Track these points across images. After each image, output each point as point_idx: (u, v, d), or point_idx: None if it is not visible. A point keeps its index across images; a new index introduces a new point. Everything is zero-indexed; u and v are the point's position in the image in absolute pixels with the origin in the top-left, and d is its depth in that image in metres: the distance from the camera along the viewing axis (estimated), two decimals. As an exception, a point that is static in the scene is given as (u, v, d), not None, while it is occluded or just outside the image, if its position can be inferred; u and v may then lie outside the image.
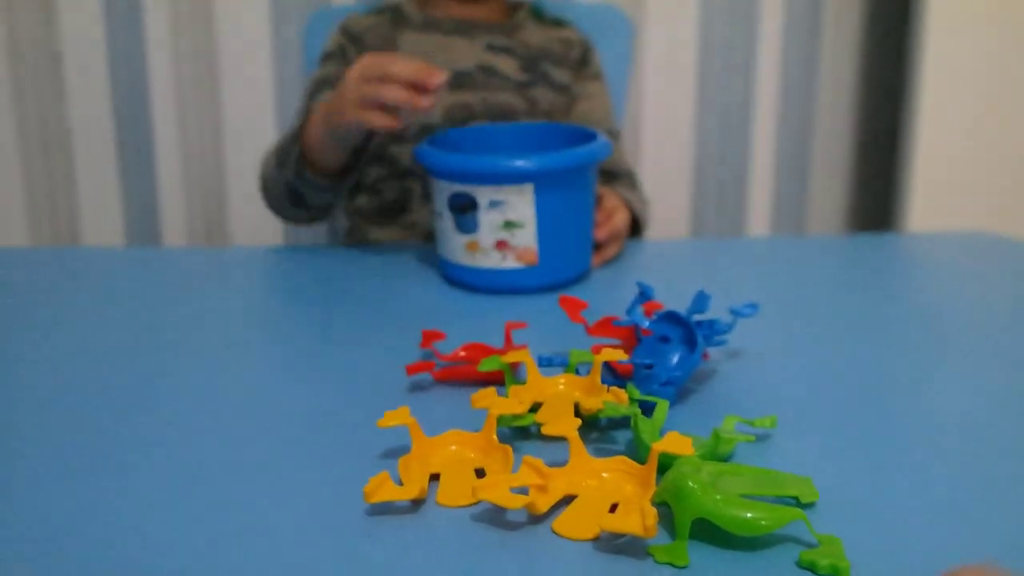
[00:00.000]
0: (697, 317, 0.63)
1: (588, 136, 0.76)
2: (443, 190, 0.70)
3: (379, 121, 0.71)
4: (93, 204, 1.60)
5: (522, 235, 0.68)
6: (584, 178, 0.71)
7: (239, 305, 0.72)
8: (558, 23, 1.06)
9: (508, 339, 0.58)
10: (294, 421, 0.50)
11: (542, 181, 0.68)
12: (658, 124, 1.62)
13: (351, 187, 1.03)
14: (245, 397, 0.54)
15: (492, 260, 0.69)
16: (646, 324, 0.53)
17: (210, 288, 0.76)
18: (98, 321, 0.68)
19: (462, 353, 0.55)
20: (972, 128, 1.48)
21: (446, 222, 0.70)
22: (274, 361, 0.60)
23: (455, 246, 0.70)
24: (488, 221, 0.68)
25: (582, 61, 1.04)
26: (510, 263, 0.69)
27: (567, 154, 0.68)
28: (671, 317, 0.52)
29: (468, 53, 0.99)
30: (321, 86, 0.97)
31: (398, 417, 0.43)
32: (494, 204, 0.68)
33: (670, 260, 0.85)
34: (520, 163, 0.67)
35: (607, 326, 0.56)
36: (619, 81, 1.21)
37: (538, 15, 1.06)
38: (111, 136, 1.57)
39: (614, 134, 1.03)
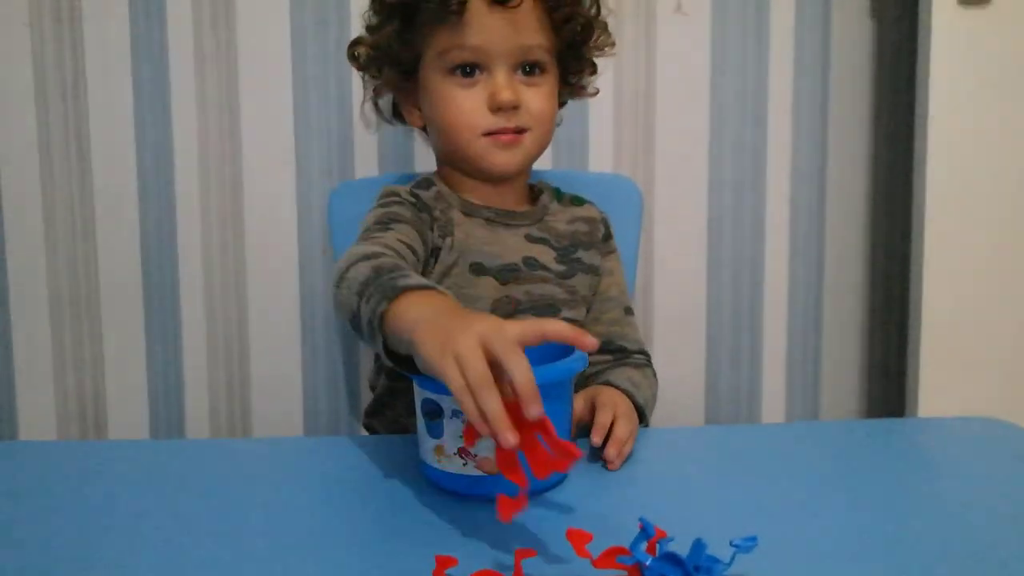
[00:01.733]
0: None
1: (566, 351, 0.73)
2: (418, 395, 0.72)
3: (457, 380, 0.58)
4: (119, 382, 1.63)
5: (481, 445, 0.69)
6: (551, 394, 0.64)
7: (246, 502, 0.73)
8: (578, 201, 1.09)
9: (518, 570, 0.57)
10: None
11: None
12: (669, 291, 1.66)
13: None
14: None
15: (455, 466, 0.70)
16: (648, 562, 0.54)
17: (220, 483, 0.77)
18: (126, 513, 0.69)
19: None
20: (979, 309, 1.51)
21: (420, 425, 0.73)
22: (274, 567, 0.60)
23: (427, 448, 0.73)
24: (451, 429, 0.70)
25: (605, 238, 1.08)
26: (470, 471, 0.70)
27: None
28: (671, 558, 0.53)
29: (512, 244, 1.00)
30: (399, 220, 0.92)
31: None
32: (456, 414, 0.69)
33: (680, 450, 0.85)
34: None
35: (611, 559, 0.56)
36: (630, 248, 1.25)
37: (558, 196, 1.09)
38: (138, 304, 1.61)
39: (629, 311, 1.07)
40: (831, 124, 1.65)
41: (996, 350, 1.52)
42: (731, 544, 0.56)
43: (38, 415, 1.62)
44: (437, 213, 0.98)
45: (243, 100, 1.57)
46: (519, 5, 0.93)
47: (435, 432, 0.71)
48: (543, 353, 0.73)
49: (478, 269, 0.98)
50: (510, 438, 0.55)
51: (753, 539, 0.56)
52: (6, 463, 0.81)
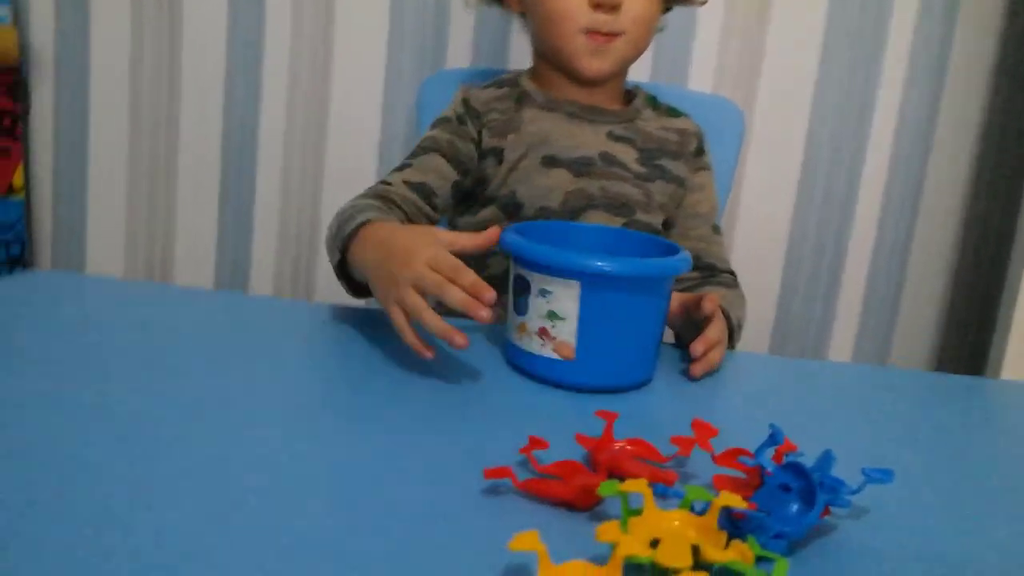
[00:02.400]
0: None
1: (672, 250, 0.76)
2: (511, 271, 0.74)
3: (399, 318, 0.69)
4: (188, 239, 1.64)
5: (562, 328, 0.70)
6: (646, 289, 0.71)
7: (308, 366, 0.73)
8: (673, 113, 1.06)
9: (608, 433, 0.58)
10: (348, 504, 0.50)
11: (591, 282, 0.68)
12: (754, 221, 1.61)
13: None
14: (295, 467, 0.53)
15: (534, 345, 0.71)
16: (772, 468, 0.52)
17: (287, 344, 0.77)
18: (175, 360, 0.70)
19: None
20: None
21: (509, 302, 0.74)
22: (330, 436, 0.59)
23: (512, 325, 0.74)
24: (536, 307, 0.71)
25: (697, 152, 1.04)
26: (548, 352, 0.71)
27: (620, 261, 0.69)
28: (795, 468, 0.52)
29: (591, 139, 0.98)
30: (428, 150, 0.97)
31: (528, 542, 0.43)
32: (543, 293, 0.70)
33: (750, 376, 0.83)
34: (569, 259, 0.69)
35: (732, 459, 0.55)
36: (726, 172, 1.21)
37: (654, 104, 1.06)
38: (216, 173, 1.61)
39: (717, 230, 1.03)
40: (949, 73, 1.55)
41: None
42: (863, 472, 0.53)
43: (107, 259, 1.65)
44: (494, 115, 0.98)
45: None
46: None
47: (520, 309, 0.72)
48: (647, 252, 0.76)
49: (551, 161, 0.97)
50: (483, 314, 0.65)
51: (889, 472, 0.54)
52: (69, 294, 0.83)
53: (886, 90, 1.56)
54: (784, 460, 0.52)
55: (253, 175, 1.61)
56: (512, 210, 0.97)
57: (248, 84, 1.57)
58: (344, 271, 0.81)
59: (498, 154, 0.97)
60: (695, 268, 0.98)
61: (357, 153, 1.59)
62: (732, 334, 0.87)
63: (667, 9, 1.04)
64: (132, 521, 0.46)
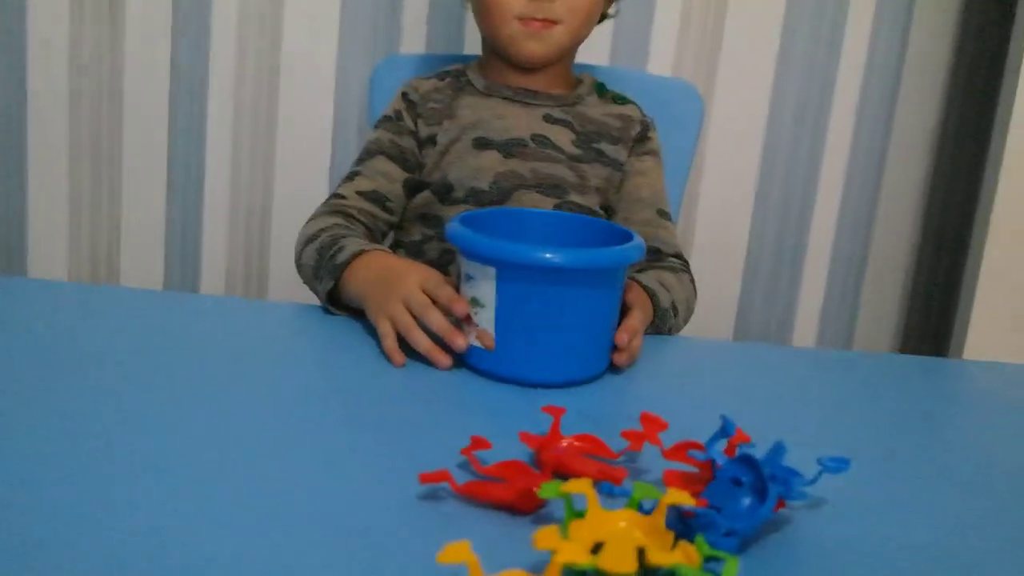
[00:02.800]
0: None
1: (625, 237, 0.72)
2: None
3: (384, 327, 0.72)
4: (135, 232, 1.59)
5: (483, 315, 0.68)
6: (576, 280, 0.67)
7: (241, 366, 0.70)
8: (620, 100, 1.04)
9: (555, 429, 0.55)
10: (289, 513, 0.47)
11: (508, 269, 0.66)
12: (714, 205, 1.59)
13: (392, 244, 1.02)
14: (222, 473, 0.51)
15: (470, 336, 0.69)
16: (722, 462, 0.50)
17: (237, 342, 0.74)
18: (124, 361, 0.66)
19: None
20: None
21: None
22: (273, 434, 0.57)
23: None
24: (464, 293, 0.69)
25: (639, 139, 1.02)
26: (472, 340, 0.69)
27: (535, 249, 0.65)
28: (747, 461, 0.49)
29: (524, 122, 0.98)
30: (373, 153, 0.98)
31: (459, 553, 0.40)
32: (468, 278, 0.68)
33: (707, 363, 0.81)
34: (482, 243, 0.66)
35: (683, 452, 0.53)
36: (685, 153, 1.19)
37: (601, 91, 1.04)
38: (163, 162, 1.57)
39: (664, 215, 1.01)
40: (909, 51, 1.54)
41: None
42: (819, 461, 0.51)
43: (49, 256, 1.60)
44: (430, 105, 0.99)
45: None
46: None
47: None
48: (600, 240, 0.73)
49: (482, 143, 0.97)
50: (459, 342, 0.68)
51: (845, 461, 0.51)
52: (8, 298, 0.79)
53: (846, 72, 1.55)
54: (736, 452, 0.50)
55: (202, 163, 1.56)
56: (443, 192, 0.97)
57: (195, 69, 1.53)
58: (330, 295, 0.82)
59: (433, 141, 0.98)
60: None
61: (309, 140, 1.55)
62: (663, 318, 0.83)
63: None
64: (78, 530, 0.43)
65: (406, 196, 0.98)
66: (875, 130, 1.57)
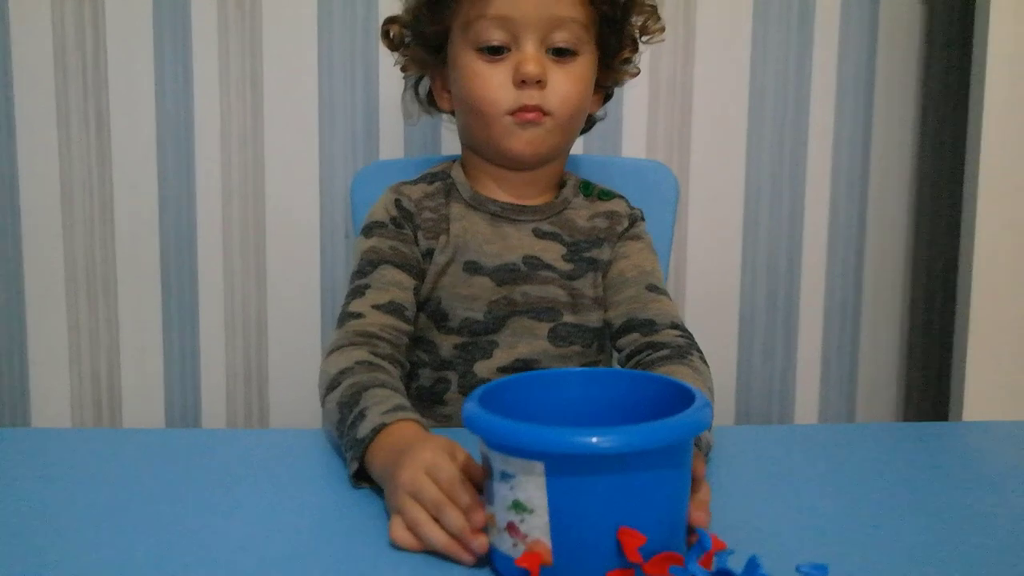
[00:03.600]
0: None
1: (681, 397, 0.56)
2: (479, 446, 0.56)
3: (398, 532, 0.59)
4: (133, 361, 1.59)
5: (532, 523, 0.51)
6: (645, 463, 0.51)
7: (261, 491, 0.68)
8: (606, 196, 1.01)
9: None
10: None
11: (559, 462, 0.50)
12: (701, 284, 1.60)
13: None
14: None
15: (505, 545, 0.53)
16: None
17: (243, 472, 0.73)
18: (131, 503, 0.65)
19: None
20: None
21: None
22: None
23: (488, 515, 0.55)
24: (500, 495, 0.53)
25: (625, 231, 0.99)
26: (521, 554, 0.52)
27: (593, 435, 0.49)
28: (725, 575, 0.47)
29: (515, 242, 0.94)
30: (376, 263, 0.92)
31: None
32: (504, 477, 0.52)
33: (718, 451, 0.80)
34: (525, 432, 0.50)
35: (664, 566, 0.50)
36: (664, 237, 1.19)
37: (586, 190, 1.01)
38: (156, 289, 1.57)
39: (656, 289, 0.95)
40: (876, 115, 1.58)
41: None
42: (798, 569, 0.48)
43: (52, 402, 1.59)
44: (426, 215, 0.94)
45: (267, 79, 1.53)
46: None
47: (488, 496, 0.55)
48: (656, 399, 0.58)
49: (474, 268, 0.93)
50: (466, 558, 0.56)
51: (823, 568, 0.48)
52: (17, 450, 0.78)
53: (816, 139, 1.58)
54: (713, 566, 0.49)
55: (195, 284, 1.57)
56: (439, 319, 0.94)
57: (181, 188, 1.55)
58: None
59: (430, 256, 0.94)
60: (634, 328, 0.92)
61: (297, 251, 1.56)
62: (706, 453, 0.74)
63: (607, 97, 1.02)
64: None
65: (417, 305, 0.93)
66: (851, 197, 1.60)
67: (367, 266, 0.92)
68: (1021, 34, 1.39)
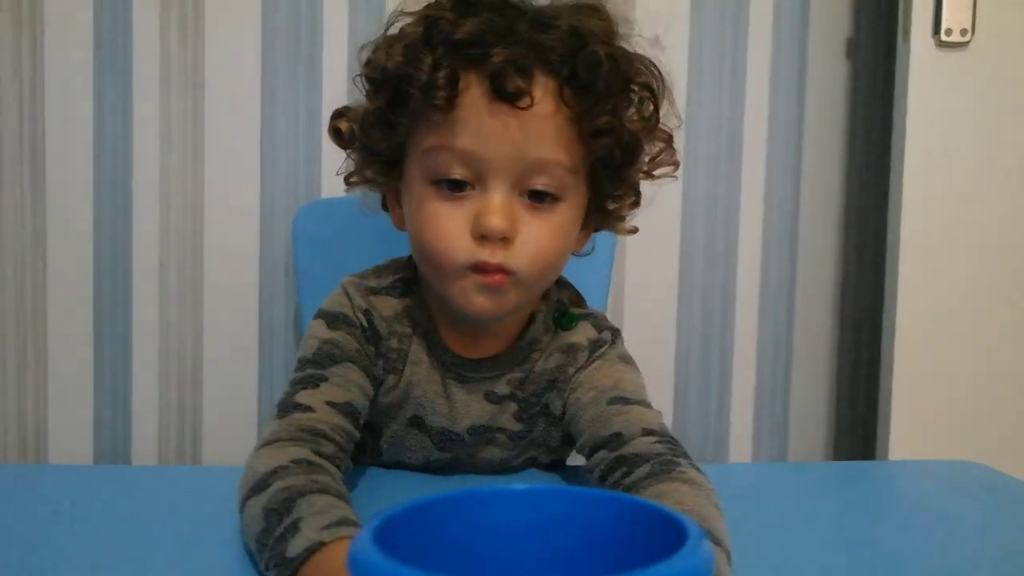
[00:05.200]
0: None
1: (674, 528, 0.39)
2: None
3: None
4: (61, 392, 1.55)
5: None
6: None
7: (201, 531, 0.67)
8: (570, 323, 0.83)
9: None
10: None
11: None
12: (638, 329, 1.62)
13: None
14: None
15: None
16: None
17: (165, 512, 0.72)
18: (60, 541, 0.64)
19: None
20: (952, 356, 1.50)
21: None
22: None
23: None
24: None
25: (583, 363, 0.82)
26: None
27: None
28: None
29: (461, 409, 0.81)
30: (338, 359, 0.77)
31: None
32: None
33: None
34: None
35: None
36: (602, 280, 1.21)
37: (557, 319, 0.83)
38: (88, 325, 1.54)
39: (621, 399, 0.78)
40: (804, 162, 1.64)
41: (969, 394, 1.50)
42: None
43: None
44: (393, 344, 0.80)
45: (208, 113, 1.52)
46: (530, 107, 0.69)
47: None
48: (632, 530, 0.42)
49: (417, 423, 0.82)
50: None
51: None
52: None
53: (748, 192, 1.63)
54: None
55: (129, 320, 1.54)
56: (374, 453, 0.85)
57: (118, 230, 1.52)
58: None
59: (379, 385, 0.81)
60: (598, 448, 0.75)
61: (237, 285, 1.55)
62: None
63: (598, 229, 0.85)
64: None
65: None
66: (783, 240, 1.65)
67: (325, 359, 0.77)
68: (939, 100, 1.46)
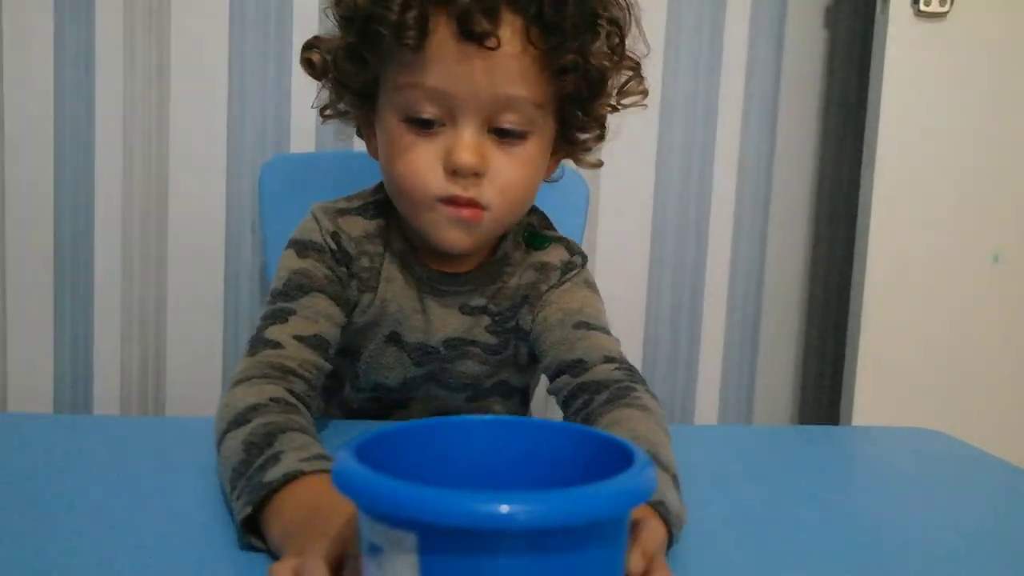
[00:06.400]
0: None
1: (623, 457, 0.42)
2: None
3: None
4: (23, 343, 1.52)
5: None
6: (564, 542, 0.37)
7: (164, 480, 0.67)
8: (542, 243, 0.86)
9: None
10: None
11: (436, 535, 0.36)
12: (608, 292, 1.62)
13: None
14: None
15: None
16: None
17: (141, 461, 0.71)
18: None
19: None
20: (917, 326, 1.51)
21: None
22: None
23: None
24: (369, 573, 0.39)
25: (555, 283, 0.84)
26: None
27: (477, 500, 0.36)
28: None
29: (438, 323, 0.83)
30: (307, 289, 0.78)
31: None
32: (373, 550, 0.39)
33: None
34: (392, 492, 0.37)
35: None
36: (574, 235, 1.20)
37: (527, 239, 0.86)
38: (48, 271, 1.51)
39: (584, 324, 0.81)
40: (779, 132, 1.64)
41: (932, 363, 1.52)
42: None
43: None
44: (364, 262, 0.81)
45: (174, 67, 1.49)
46: (497, 47, 0.70)
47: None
48: (588, 458, 0.45)
49: (394, 339, 0.83)
50: None
51: None
52: None
53: (722, 156, 1.63)
54: None
55: (91, 270, 1.51)
56: (351, 376, 0.86)
57: (80, 182, 1.49)
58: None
59: (353, 309, 0.83)
60: (561, 372, 0.79)
61: (201, 243, 1.52)
62: (673, 530, 0.57)
63: (565, 157, 0.86)
64: None
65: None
66: (755, 208, 1.65)
67: (295, 290, 0.78)
68: (912, 95, 1.46)
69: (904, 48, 1.45)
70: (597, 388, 0.73)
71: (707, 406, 1.68)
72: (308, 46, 0.81)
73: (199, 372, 1.53)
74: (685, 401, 1.67)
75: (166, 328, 1.54)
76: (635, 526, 0.49)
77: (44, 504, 0.61)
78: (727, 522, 0.64)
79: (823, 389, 1.72)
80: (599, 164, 0.88)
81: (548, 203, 1.09)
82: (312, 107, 0.84)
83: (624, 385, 0.73)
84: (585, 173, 1.54)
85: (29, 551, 0.54)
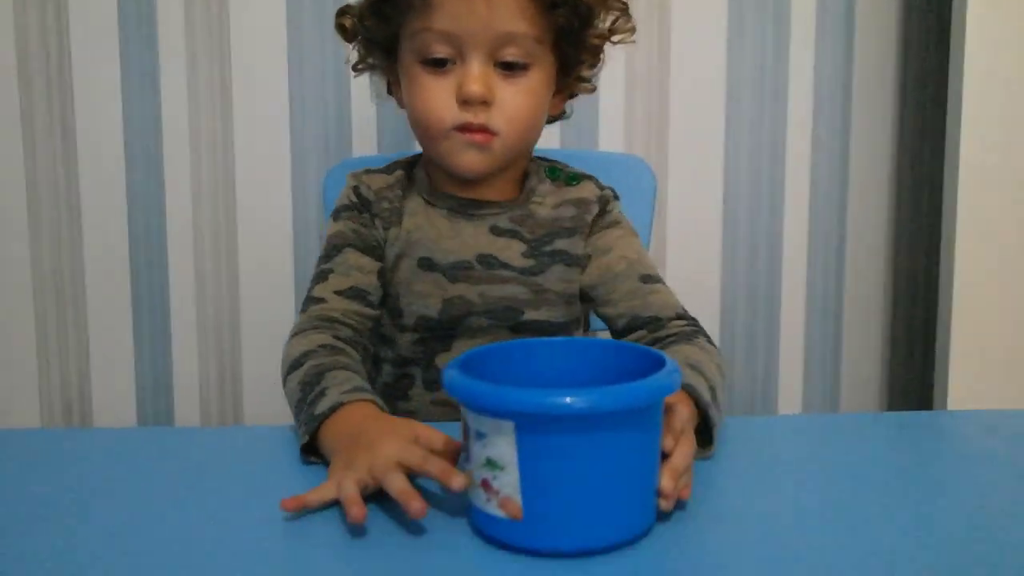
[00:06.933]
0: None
1: (656, 363, 0.58)
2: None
3: (399, 484, 0.59)
4: (103, 363, 1.56)
5: (504, 480, 0.55)
6: (611, 424, 0.54)
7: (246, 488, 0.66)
8: (574, 179, 0.96)
9: None
10: None
11: (528, 421, 0.53)
12: (681, 277, 1.59)
13: None
14: None
15: (479, 500, 0.56)
16: None
17: (221, 471, 0.71)
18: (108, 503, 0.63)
19: None
20: (1012, 303, 1.44)
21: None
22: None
23: (467, 472, 0.58)
24: (475, 453, 0.56)
25: (599, 216, 0.94)
26: (493, 509, 0.55)
27: (556, 395, 0.52)
28: None
29: (470, 240, 0.91)
30: (340, 247, 0.92)
31: None
32: (479, 436, 0.55)
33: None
34: (493, 393, 0.54)
35: None
36: (643, 233, 1.18)
37: (553, 175, 0.96)
38: (126, 289, 1.54)
39: (650, 279, 0.92)
40: (855, 102, 1.57)
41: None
42: None
43: (21, 406, 1.55)
44: (384, 204, 0.93)
45: (235, 77, 1.50)
46: None
47: (466, 455, 0.58)
48: (634, 368, 0.59)
49: (427, 264, 0.91)
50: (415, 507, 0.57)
51: None
52: None
53: (795, 133, 1.57)
54: None
55: (166, 289, 1.54)
56: (395, 315, 0.93)
57: (150, 194, 1.52)
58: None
59: (384, 247, 0.93)
60: (639, 327, 0.89)
61: (271, 248, 1.54)
62: (708, 412, 0.71)
63: (573, 95, 0.97)
64: None
65: (382, 287, 0.92)
66: (831, 187, 1.59)
67: (332, 250, 0.92)
68: (997, 31, 1.38)
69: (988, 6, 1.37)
70: (668, 340, 0.86)
71: (791, 398, 1.62)
72: (341, 12, 0.94)
73: (274, 381, 1.54)
74: (767, 393, 1.61)
75: (240, 339, 1.55)
76: (667, 411, 0.62)
77: (131, 517, 0.61)
78: (818, 512, 0.61)
79: (913, 370, 1.64)
80: (593, 88, 0.98)
81: (618, 188, 1.06)
82: (346, 63, 0.97)
83: (690, 334, 0.86)
84: (652, 160, 1.51)
85: (122, 555, 0.53)
